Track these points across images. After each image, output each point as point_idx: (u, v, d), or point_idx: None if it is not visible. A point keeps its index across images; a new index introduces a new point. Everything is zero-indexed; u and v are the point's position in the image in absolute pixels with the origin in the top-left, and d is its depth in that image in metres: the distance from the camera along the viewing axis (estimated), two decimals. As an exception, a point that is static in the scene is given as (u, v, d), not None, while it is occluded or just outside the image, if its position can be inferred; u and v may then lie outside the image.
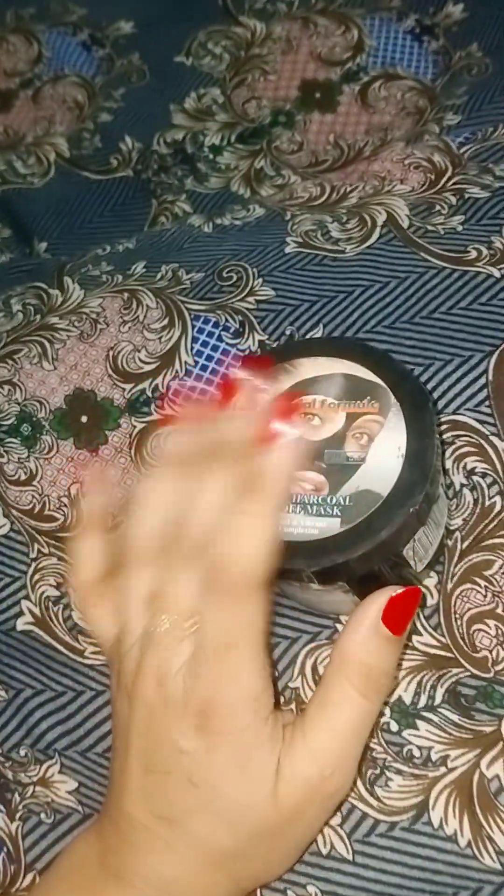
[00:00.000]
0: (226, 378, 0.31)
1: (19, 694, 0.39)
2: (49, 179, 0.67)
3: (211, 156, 0.64)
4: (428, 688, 0.34)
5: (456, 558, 0.36)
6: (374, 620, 0.30)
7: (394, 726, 0.34)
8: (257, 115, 0.64)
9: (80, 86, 0.70)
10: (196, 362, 0.43)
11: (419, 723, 0.34)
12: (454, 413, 0.38)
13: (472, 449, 0.37)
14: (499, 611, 0.35)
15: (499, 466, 0.37)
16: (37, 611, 0.40)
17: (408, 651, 0.35)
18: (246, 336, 0.43)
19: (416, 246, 0.43)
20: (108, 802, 0.32)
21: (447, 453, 0.38)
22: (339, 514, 0.31)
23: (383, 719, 0.34)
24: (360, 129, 0.62)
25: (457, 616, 0.35)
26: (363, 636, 0.30)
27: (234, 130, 0.64)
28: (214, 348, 0.43)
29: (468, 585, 0.35)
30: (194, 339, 0.43)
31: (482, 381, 0.38)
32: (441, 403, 0.38)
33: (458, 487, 0.37)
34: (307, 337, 0.42)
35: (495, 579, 0.35)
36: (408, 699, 0.34)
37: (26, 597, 0.40)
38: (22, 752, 0.38)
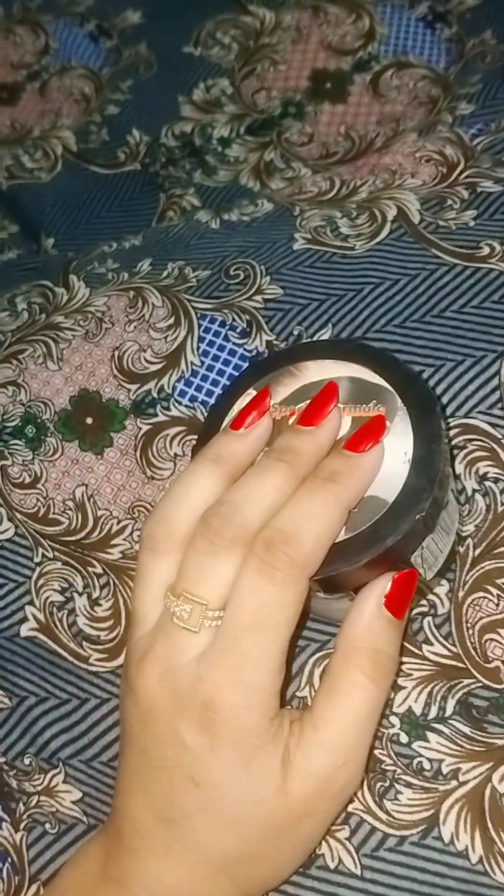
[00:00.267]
0: (320, 402, 0.32)
1: (23, 701, 0.38)
2: (56, 174, 0.66)
3: (220, 148, 0.63)
4: (438, 699, 0.33)
5: (468, 566, 0.35)
6: (377, 605, 0.30)
7: (403, 738, 0.33)
8: (267, 106, 0.63)
9: (88, 78, 0.69)
10: (202, 363, 0.42)
11: (430, 735, 0.33)
12: (466, 416, 0.37)
13: (485, 453, 0.36)
14: (512, 620, 0.34)
15: (512, 470, 0.36)
16: (41, 616, 0.39)
17: (418, 661, 0.34)
18: (253, 336, 0.42)
19: (427, 242, 0.42)
20: (112, 807, 0.32)
21: (459, 458, 0.36)
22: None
23: (392, 731, 0.33)
24: (371, 119, 0.61)
25: (468, 625, 0.34)
26: (368, 621, 0.30)
27: (243, 122, 0.63)
28: (221, 348, 0.42)
29: (480, 594, 0.34)
30: (200, 339, 0.42)
31: (494, 382, 0.37)
32: (453, 406, 0.37)
33: (469, 493, 0.36)
34: (315, 338, 0.41)
35: (508, 587, 0.34)
36: (418, 710, 0.33)
37: (30, 602, 0.40)
38: (26, 761, 0.37)
